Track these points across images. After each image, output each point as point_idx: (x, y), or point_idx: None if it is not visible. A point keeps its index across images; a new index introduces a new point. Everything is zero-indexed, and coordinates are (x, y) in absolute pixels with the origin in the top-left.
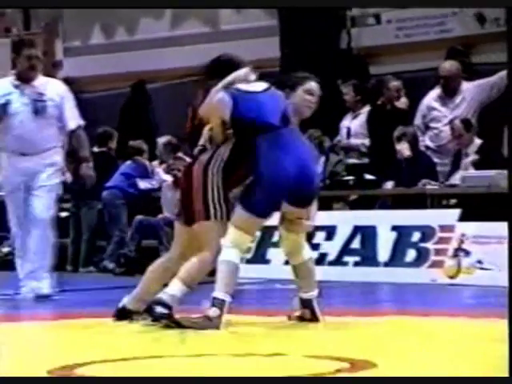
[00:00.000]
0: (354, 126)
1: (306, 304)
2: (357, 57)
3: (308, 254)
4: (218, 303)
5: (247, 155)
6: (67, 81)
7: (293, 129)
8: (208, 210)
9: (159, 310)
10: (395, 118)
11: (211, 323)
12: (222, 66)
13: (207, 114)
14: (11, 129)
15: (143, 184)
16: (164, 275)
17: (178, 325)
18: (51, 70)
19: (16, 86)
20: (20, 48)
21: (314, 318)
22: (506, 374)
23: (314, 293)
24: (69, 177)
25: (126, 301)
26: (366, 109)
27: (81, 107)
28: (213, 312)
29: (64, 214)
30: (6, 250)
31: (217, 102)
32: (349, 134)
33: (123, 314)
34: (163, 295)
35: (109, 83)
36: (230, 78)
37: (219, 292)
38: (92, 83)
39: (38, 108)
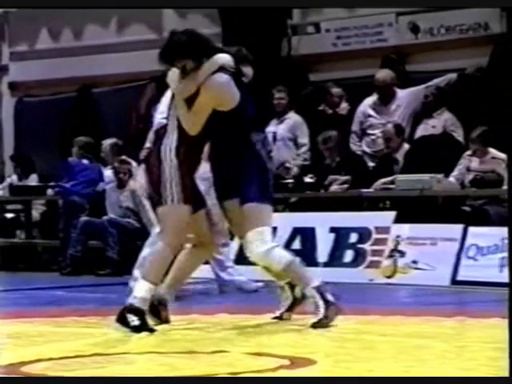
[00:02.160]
0: (280, 130)
1: (319, 292)
2: (296, 64)
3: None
4: (326, 288)
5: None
6: (13, 85)
7: None
8: (163, 194)
9: (133, 320)
10: (336, 123)
11: (337, 307)
12: (194, 45)
13: (209, 97)
14: None
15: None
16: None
17: (151, 331)
18: None
19: None
20: None
21: (326, 303)
22: (506, 374)
23: (315, 283)
24: (14, 179)
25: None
26: (291, 114)
27: (26, 111)
28: (330, 297)
29: (10, 216)
30: None
31: (227, 87)
32: (275, 139)
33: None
34: (133, 300)
35: (55, 87)
36: (220, 62)
37: (309, 285)
38: (38, 87)
39: None
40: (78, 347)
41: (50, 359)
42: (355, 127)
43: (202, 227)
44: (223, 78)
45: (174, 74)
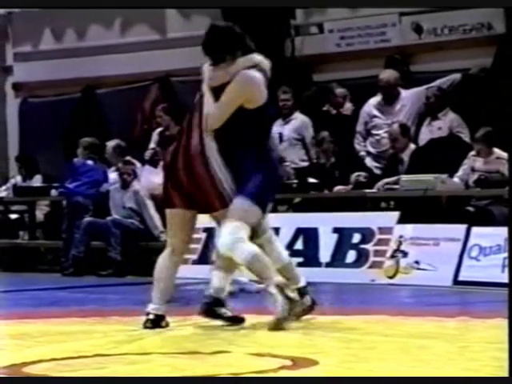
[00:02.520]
0: (286, 131)
1: (303, 292)
2: (300, 64)
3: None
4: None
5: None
6: (17, 86)
7: None
8: (222, 196)
9: (224, 312)
10: (340, 123)
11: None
12: (231, 39)
13: (239, 90)
14: None
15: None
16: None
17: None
18: (1, 75)
19: None
20: None
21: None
22: (506, 374)
23: (275, 280)
24: (18, 180)
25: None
26: (297, 114)
27: (31, 112)
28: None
29: (14, 216)
30: None
31: (258, 83)
32: (281, 140)
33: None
34: (214, 292)
35: (58, 88)
36: (255, 61)
37: (270, 282)
38: (42, 88)
39: None
40: (81, 348)
41: (53, 360)
42: (360, 127)
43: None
44: (256, 74)
45: (207, 67)
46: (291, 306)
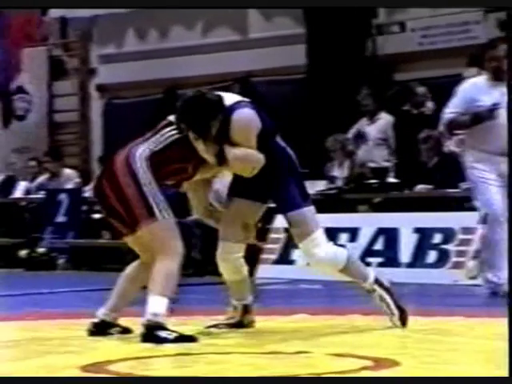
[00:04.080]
0: (371, 130)
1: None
2: (381, 64)
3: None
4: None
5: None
6: (101, 87)
7: None
8: (151, 209)
9: (163, 334)
10: (421, 122)
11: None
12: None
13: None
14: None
15: None
16: (137, 283)
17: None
18: (86, 77)
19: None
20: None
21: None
22: (506, 374)
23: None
24: None
25: (102, 313)
26: (383, 115)
27: (115, 113)
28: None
29: (97, 216)
30: (41, 250)
31: (255, 121)
32: (365, 139)
33: (100, 328)
34: (155, 318)
35: (141, 89)
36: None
37: (371, 281)
38: (125, 89)
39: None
40: (164, 347)
41: (136, 358)
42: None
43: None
44: (245, 110)
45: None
46: (394, 298)
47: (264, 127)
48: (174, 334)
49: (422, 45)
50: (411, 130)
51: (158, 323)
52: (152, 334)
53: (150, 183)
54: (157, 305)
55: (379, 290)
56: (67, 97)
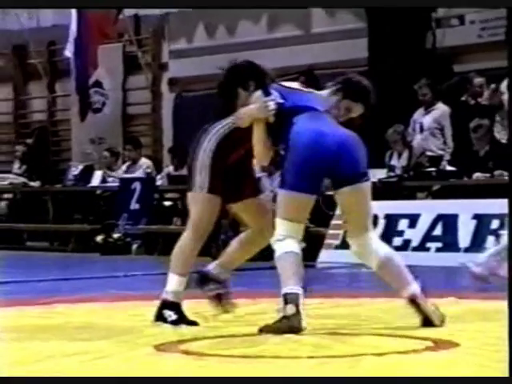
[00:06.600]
0: (427, 121)
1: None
2: (441, 56)
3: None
4: (292, 299)
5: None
6: (172, 81)
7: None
8: (193, 179)
9: (170, 315)
10: (478, 113)
11: (291, 322)
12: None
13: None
14: None
15: None
16: (248, 248)
17: (191, 324)
18: (158, 71)
19: None
20: None
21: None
22: (506, 374)
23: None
24: (171, 169)
25: (211, 266)
26: (439, 105)
27: (184, 106)
28: (289, 310)
29: (168, 203)
30: (116, 235)
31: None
32: (422, 129)
33: (203, 280)
34: (167, 296)
35: (209, 83)
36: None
37: (287, 287)
38: (194, 83)
39: None
40: (230, 328)
41: (205, 338)
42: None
43: (255, 215)
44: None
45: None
46: None
47: (288, 107)
48: (174, 317)
49: (481, 37)
50: (467, 119)
51: (166, 301)
52: (160, 312)
53: None
54: (168, 282)
55: None
56: (140, 90)
